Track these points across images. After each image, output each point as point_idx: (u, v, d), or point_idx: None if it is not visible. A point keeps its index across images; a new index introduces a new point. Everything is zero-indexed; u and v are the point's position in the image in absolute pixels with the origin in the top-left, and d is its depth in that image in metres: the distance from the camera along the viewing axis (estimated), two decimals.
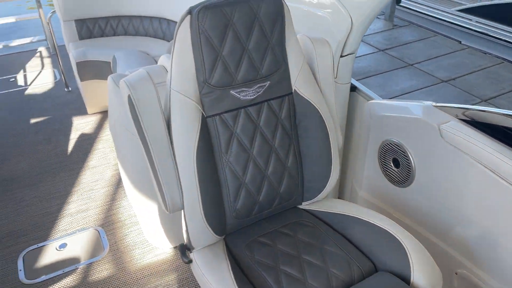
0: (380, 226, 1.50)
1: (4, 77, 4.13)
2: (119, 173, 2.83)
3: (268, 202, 1.59)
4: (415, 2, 6.53)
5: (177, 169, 1.40)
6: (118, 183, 2.74)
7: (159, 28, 3.54)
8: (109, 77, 1.95)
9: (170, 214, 2.17)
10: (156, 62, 3.15)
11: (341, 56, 1.90)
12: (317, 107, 1.55)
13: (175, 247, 2.30)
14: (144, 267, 2.18)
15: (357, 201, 2.12)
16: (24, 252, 2.26)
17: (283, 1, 1.41)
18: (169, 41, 3.51)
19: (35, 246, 2.29)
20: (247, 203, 1.54)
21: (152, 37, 3.59)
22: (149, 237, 2.29)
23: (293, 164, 1.59)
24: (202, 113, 1.42)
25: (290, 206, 1.68)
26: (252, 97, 1.47)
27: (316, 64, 1.59)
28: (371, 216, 1.56)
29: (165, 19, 3.50)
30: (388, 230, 1.48)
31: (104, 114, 3.50)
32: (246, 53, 1.40)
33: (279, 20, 1.42)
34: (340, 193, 2.32)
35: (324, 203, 1.70)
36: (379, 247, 1.46)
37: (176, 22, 3.41)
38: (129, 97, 1.36)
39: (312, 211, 1.67)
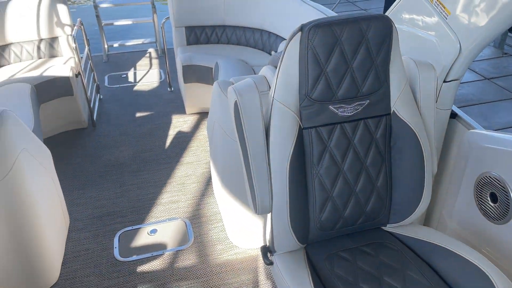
0: (470, 260, 1.44)
1: (118, 73, 4.60)
2: (210, 171, 3.01)
3: (352, 219, 1.61)
4: None
5: (270, 174, 1.49)
6: (207, 181, 2.92)
7: (260, 40, 3.71)
8: (215, 83, 2.10)
9: (253, 216, 2.27)
10: (254, 71, 3.30)
11: (445, 81, 1.86)
12: (414, 131, 1.53)
13: (254, 249, 2.39)
14: (223, 262, 2.30)
15: (446, 231, 2.04)
16: (120, 232, 2.51)
17: (392, 24, 1.43)
18: (268, 52, 3.66)
19: (129, 228, 2.53)
20: (332, 216, 1.57)
21: (252, 47, 3.78)
22: (230, 235, 2.41)
23: (383, 184, 1.59)
24: (300, 124, 1.49)
25: (374, 226, 1.67)
26: (349, 114, 1.51)
27: (418, 87, 1.58)
28: (461, 248, 1.50)
29: (266, 31, 3.66)
30: (479, 266, 1.41)
31: (201, 115, 3.75)
32: (349, 71, 1.45)
33: (386, 41, 1.44)
34: (427, 220, 2.24)
35: (410, 228, 1.67)
36: (467, 282, 1.40)
37: (276, 35, 3.55)
38: (235, 103, 1.48)
39: (397, 234, 1.66)
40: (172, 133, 3.49)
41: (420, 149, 1.55)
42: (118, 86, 4.31)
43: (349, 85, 1.47)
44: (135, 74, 4.57)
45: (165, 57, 4.03)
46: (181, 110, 3.83)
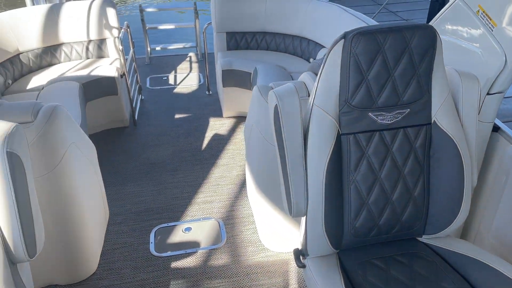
0: (509, 276, 1.41)
1: (159, 75, 4.75)
2: (244, 174, 3.06)
3: (387, 227, 1.61)
4: None
5: (307, 178, 1.51)
6: (241, 183, 2.97)
7: (299, 47, 3.75)
8: (255, 87, 2.15)
9: (286, 220, 2.29)
10: (292, 78, 3.34)
11: (488, 94, 1.83)
12: (455, 142, 1.52)
13: (285, 253, 2.41)
14: (254, 264, 2.33)
15: (484, 246, 1.99)
16: (156, 228, 2.59)
17: (437, 34, 1.43)
18: (306, 59, 3.69)
19: (165, 225, 2.61)
20: (366, 223, 1.58)
21: (291, 54, 3.81)
22: (262, 238, 2.45)
23: (420, 194, 1.59)
24: (338, 130, 1.51)
25: (409, 236, 1.66)
26: (389, 122, 1.52)
27: (461, 98, 1.57)
28: (499, 264, 1.47)
29: (305, 38, 3.69)
30: None
31: (238, 119, 3.81)
32: (391, 79, 1.46)
33: (430, 51, 1.44)
34: (464, 233, 2.19)
35: (446, 240, 1.65)
36: None
37: (315, 43, 3.58)
38: (275, 106, 1.51)
39: (432, 246, 1.64)
40: (209, 135, 3.57)
41: (460, 161, 1.54)
42: (159, 87, 4.45)
43: (390, 93, 1.48)
44: (175, 77, 4.71)
45: (205, 61, 4.13)
46: (218, 113, 3.91)
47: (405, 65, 1.45)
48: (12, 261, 1.39)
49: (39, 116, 1.86)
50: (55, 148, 1.90)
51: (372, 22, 2.98)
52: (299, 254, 1.66)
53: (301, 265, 1.63)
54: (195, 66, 4.99)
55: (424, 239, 1.67)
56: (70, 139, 2.01)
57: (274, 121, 1.56)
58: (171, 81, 4.61)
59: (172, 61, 5.13)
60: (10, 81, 3.20)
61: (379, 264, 1.56)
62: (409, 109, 1.52)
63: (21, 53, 3.35)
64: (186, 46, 5.40)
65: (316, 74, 2.05)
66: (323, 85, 1.48)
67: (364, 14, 3.25)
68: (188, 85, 4.51)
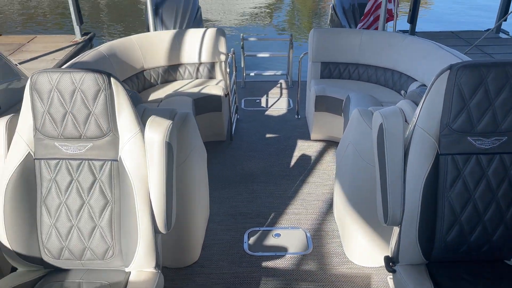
0: None
1: (252, 98, 5.16)
2: (328, 193, 3.27)
3: (477, 245, 1.73)
4: None
5: (404, 190, 1.70)
6: (327, 201, 3.18)
7: (390, 79, 3.93)
8: (356, 110, 2.39)
9: (372, 235, 2.45)
10: (383, 106, 3.52)
11: None
12: None
13: (367, 267, 2.56)
14: (339, 274, 2.51)
15: None
16: (249, 230, 2.88)
17: None
18: (397, 91, 3.85)
19: (257, 228, 2.89)
20: (457, 239, 1.72)
21: (382, 85, 4.00)
22: (347, 251, 2.62)
23: None
24: (437, 150, 1.69)
25: (498, 257, 1.77)
26: (486, 147, 1.67)
27: None
28: None
29: (397, 71, 3.86)
30: None
31: (324, 142, 4.05)
32: (491, 108, 1.62)
33: None
34: None
35: None
36: None
37: (407, 76, 3.74)
38: (381, 125, 1.74)
39: None
40: (296, 154, 3.84)
41: None
42: (252, 109, 4.85)
43: (489, 121, 1.64)
44: (267, 100, 5.08)
45: (298, 87, 4.45)
46: (306, 136, 4.18)
47: (506, 97, 1.61)
48: (155, 230, 1.74)
49: (176, 120, 2.25)
50: (183, 147, 2.28)
51: (468, 59, 3.10)
52: (389, 261, 1.83)
53: (391, 270, 1.80)
54: (285, 92, 5.35)
55: None
56: (194, 142, 2.38)
57: (377, 137, 1.78)
58: (263, 104, 4.99)
59: (264, 86, 5.54)
60: None
61: (469, 279, 1.68)
62: (506, 137, 1.66)
63: (145, 70, 3.91)
64: (277, 73, 5.80)
65: (414, 102, 2.24)
66: (427, 108, 1.68)
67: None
68: (278, 108, 4.86)
